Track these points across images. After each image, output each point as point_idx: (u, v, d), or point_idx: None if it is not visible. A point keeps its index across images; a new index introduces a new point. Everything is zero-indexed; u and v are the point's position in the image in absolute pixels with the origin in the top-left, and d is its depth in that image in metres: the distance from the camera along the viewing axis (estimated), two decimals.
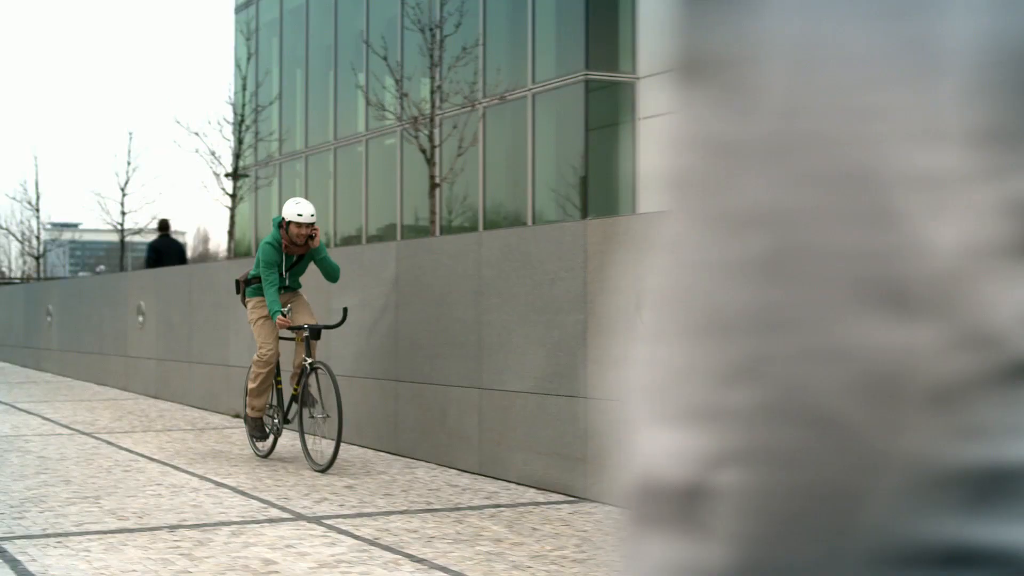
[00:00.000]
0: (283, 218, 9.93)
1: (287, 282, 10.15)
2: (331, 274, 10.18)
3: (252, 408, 10.28)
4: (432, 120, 24.02)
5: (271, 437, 10.37)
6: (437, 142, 24.23)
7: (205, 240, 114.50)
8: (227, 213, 34.19)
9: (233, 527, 7.31)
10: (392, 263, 10.74)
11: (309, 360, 9.79)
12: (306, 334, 9.81)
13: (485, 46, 26.72)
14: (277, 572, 6.14)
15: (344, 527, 7.33)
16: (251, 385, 10.19)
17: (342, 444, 9.73)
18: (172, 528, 7.25)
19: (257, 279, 10.15)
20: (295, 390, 10.02)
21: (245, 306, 10.47)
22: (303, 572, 6.15)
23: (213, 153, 34.19)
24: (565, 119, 24.53)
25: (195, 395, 15.11)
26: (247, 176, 35.33)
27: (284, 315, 9.73)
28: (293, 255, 10.10)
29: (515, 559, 6.47)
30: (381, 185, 31.29)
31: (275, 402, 10.38)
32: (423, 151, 23.77)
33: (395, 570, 6.21)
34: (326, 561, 6.39)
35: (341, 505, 8.12)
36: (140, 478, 9.22)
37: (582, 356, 8.33)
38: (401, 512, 7.86)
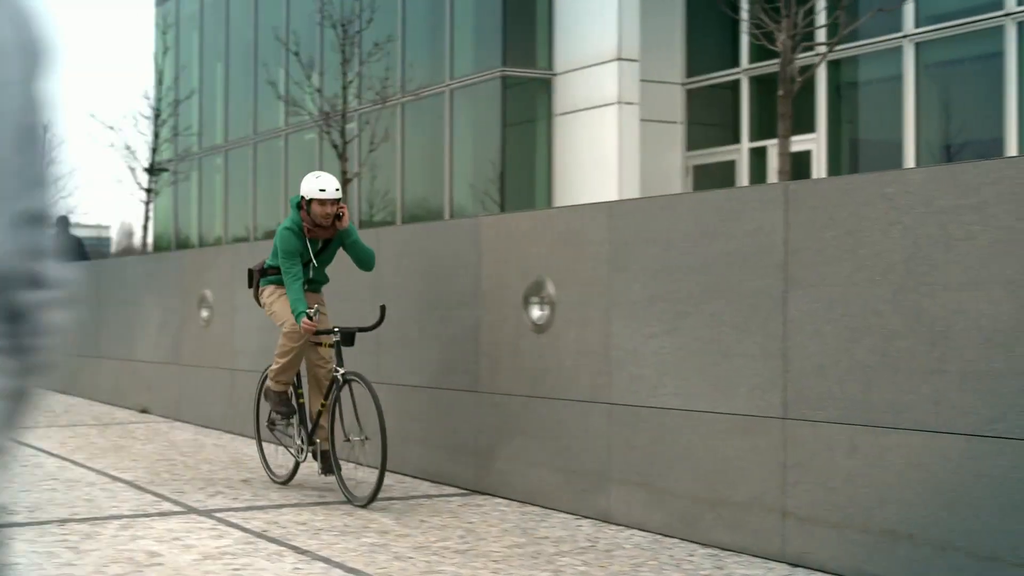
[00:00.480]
0: (302, 196, 8.29)
1: (312, 274, 8.45)
2: (365, 260, 8.42)
3: (277, 381, 8.58)
4: (344, 116, 24.09)
5: (292, 460, 8.74)
6: (349, 138, 24.32)
7: (129, 235, 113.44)
8: (145, 208, 34.14)
9: (123, 520, 7.36)
10: None
11: (340, 371, 8.08)
12: (336, 339, 8.15)
13: (404, 42, 26.78)
14: (161, 564, 6.21)
15: (234, 520, 7.41)
16: (281, 360, 8.42)
17: (387, 474, 7.91)
18: (62, 522, 7.29)
19: (275, 269, 8.48)
20: (322, 405, 8.35)
21: (257, 300, 8.79)
22: (186, 564, 6.22)
23: (128, 147, 34.11)
24: (482, 115, 24.65)
25: (103, 390, 15.09)
26: (166, 171, 35.18)
27: (311, 317, 7.97)
28: (318, 240, 8.39)
29: (398, 550, 6.58)
30: (301, 180, 31.26)
31: (296, 419, 8.77)
32: (335, 147, 23.85)
33: (278, 561, 6.30)
34: (211, 553, 6.47)
35: (234, 499, 8.19)
36: (38, 473, 9.23)
37: (475, 351, 8.45)
38: (293, 505, 7.95)
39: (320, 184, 8.22)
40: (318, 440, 8.41)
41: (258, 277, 8.71)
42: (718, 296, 6.64)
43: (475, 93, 24.78)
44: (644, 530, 7.06)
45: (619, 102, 22.38)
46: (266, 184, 33.37)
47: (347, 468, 8.31)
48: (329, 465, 8.31)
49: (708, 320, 6.70)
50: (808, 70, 15.32)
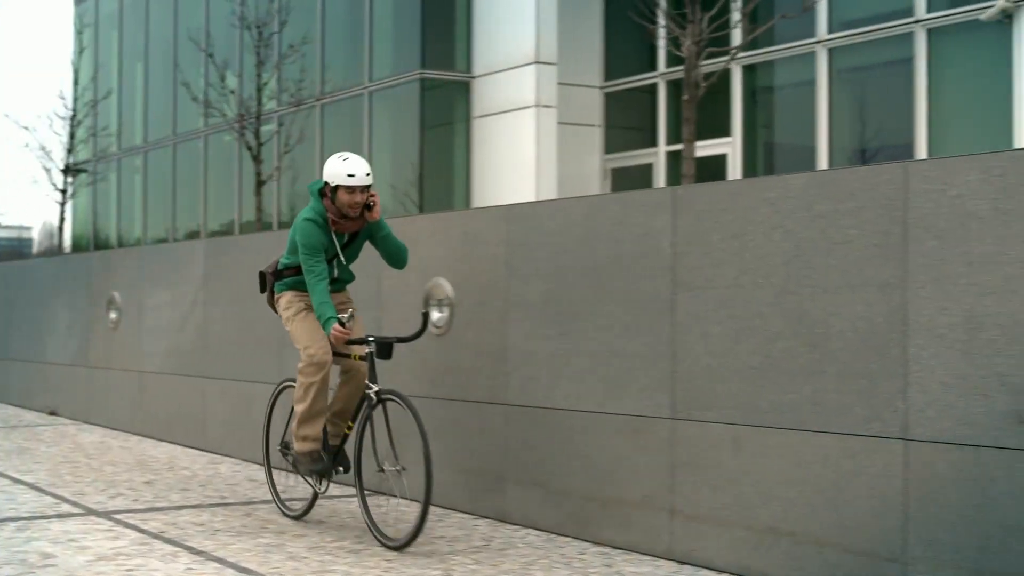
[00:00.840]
0: (326, 182, 7.03)
1: (336, 272, 7.21)
2: (398, 256, 7.24)
3: (304, 439, 7.18)
4: (259, 118, 24.05)
5: (310, 490, 7.57)
6: (264, 140, 24.29)
7: (51, 235, 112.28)
8: (66, 210, 33.95)
9: (20, 522, 7.35)
10: (200, 260, 10.81)
11: (374, 388, 6.89)
12: (370, 350, 6.95)
13: (323, 44, 26.75)
14: (54, 565, 6.22)
15: (132, 521, 7.42)
16: (300, 406, 7.17)
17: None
18: None
19: (293, 270, 7.27)
20: (347, 428, 7.27)
21: (273, 307, 7.53)
22: (79, 565, 6.23)
23: (43, 148, 33.88)
24: (401, 117, 24.67)
25: (11, 392, 14.99)
26: (85, 171, 34.93)
27: (343, 324, 6.75)
28: (344, 233, 7.16)
29: (293, 550, 6.63)
30: (220, 181, 31.15)
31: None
32: (249, 149, 23.81)
33: (171, 562, 6.33)
34: (105, 554, 6.49)
35: (135, 500, 8.19)
36: None
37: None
38: (193, 506, 7.97)
39: (348, 168, 6.93)
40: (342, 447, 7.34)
41: (272, 280, 7.45)
42: (609, 298, 6.75)
43: (394, 95, 24.79)
44: (539, 529, 7.15)
45: (537, 105, 22.47)
46: (186, 186, 33.18)
47: (375, 501, 7.24)
48: (342, 461, 7.29)
49: (600, 322, 6.80)
50: (712, 76, 15.49)
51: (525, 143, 22.66)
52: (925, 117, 18.37)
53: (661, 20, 16.74)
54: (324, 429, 7.28)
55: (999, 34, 17.48)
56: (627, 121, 23.96)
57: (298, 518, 7.55)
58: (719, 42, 16.39)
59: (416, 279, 8.13)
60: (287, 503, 7.75)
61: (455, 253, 7.87)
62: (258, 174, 23.81)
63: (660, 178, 22.74)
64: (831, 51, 19.86)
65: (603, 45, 24.04)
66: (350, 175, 6.88)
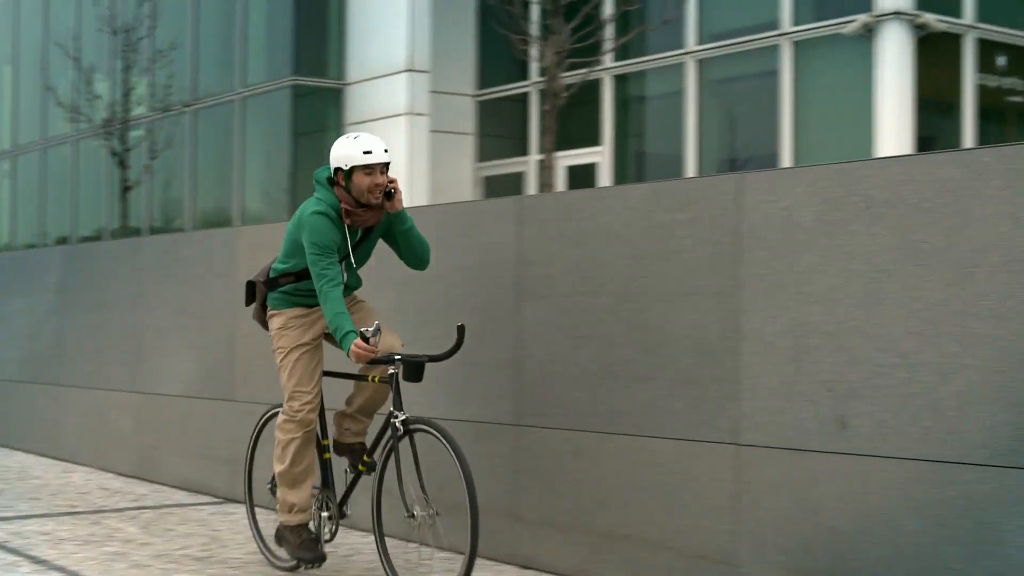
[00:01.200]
0: (337, 168, 5.82)
1: (345, 277, 5.91)
2: (422, 254, 6.13)
3: (290, 509, 6.11)
4: (125, 123, 23.82)
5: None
6: (131, 145, 24.08)
7: None
8: None
9: None
10: (57, 268, 10.70)
11: (400, 416, 5.83)
12: (394, 371, 5.89)
13: (197, 49, 26.55)
14: None
15: None
16: (278, 467, 6.08)
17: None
18: None
19: (291, 276, 6.06)
20: (363, 464, 6.24)
21: (264, 324, 6.28)
22: None
23: None
24: (273, 124, 24.57)
25: None
26: None
27: (367, 338, 5.59)
28: (357, 229, 5.98)
29: (137, 559, 6.60)
30: (90, 187, 30.75)
31: (318, 482, 6.34)
32: (115, 154, 23.57)
33: (11, 572, 6.27)
34: None
35: None
36: None
37: (229, 360, 8.48)
38: (40, 516, 7.89)
39: (363, 144, 5.75)
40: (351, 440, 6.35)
41: (263, 291, 6.20)
42: (456, 306, 6.81)
43: (266, 102, 24.68)
44: (389, 536, 7.17)
45: (409, 113, 22.52)
46: (56, 191, 32.70)
47: (397, 546, 6.53)
48: (364, 462, 6.24)
49: (448, 330, 6.85)
50: (572, 87, 15.64)
51: (397, 151, 22.68)
52: (790, 127, 18.71)
53: (521, 31, 16.85)
54: (327, 469, 6.31)
55: (861, 48, 17.87)
56: (500, 130, 24.08)
57: (292, 569, 6.38)
58: (590, 51, 16.56)
59: None
60: (275, 551, 6.52)
61: None
62: (124, 180, 23.58)
63: (532, 186, 22.89)
64: (700, 62, 20.15)
65: (476, 54, 24.13)
66: (366, 152, 5.71)
